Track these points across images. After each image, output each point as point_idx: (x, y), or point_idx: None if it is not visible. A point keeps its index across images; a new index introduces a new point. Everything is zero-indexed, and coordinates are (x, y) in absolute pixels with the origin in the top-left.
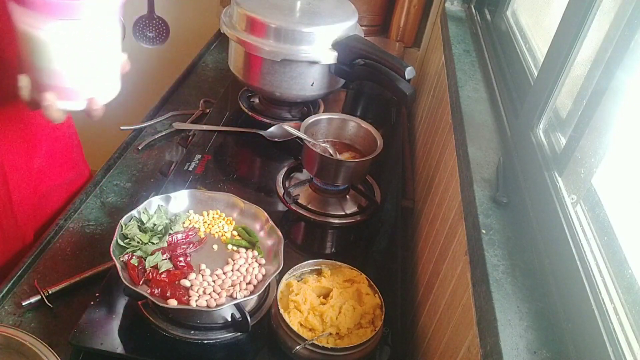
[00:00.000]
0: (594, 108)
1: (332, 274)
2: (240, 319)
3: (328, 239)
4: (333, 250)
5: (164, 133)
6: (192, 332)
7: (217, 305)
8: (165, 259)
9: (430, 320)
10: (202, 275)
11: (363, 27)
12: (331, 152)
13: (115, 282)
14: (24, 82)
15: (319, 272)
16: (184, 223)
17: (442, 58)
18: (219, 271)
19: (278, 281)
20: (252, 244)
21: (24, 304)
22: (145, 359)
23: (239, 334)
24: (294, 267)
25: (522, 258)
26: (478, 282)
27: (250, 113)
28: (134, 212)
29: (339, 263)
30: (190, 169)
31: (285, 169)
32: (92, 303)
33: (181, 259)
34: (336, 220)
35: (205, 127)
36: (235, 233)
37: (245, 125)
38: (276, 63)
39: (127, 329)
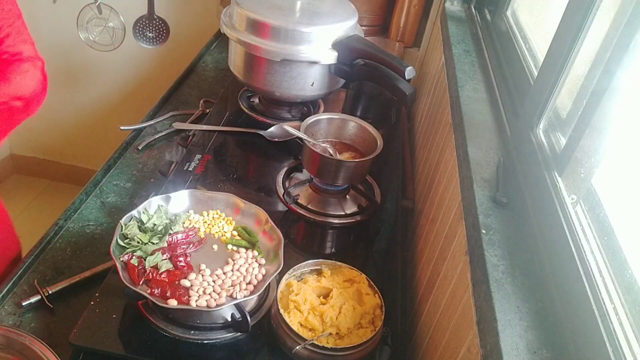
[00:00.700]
0: (594, 108)
1: (332, 274)
2: (240, 319)
3: (328, 239)
4: (333, 250)
5: (164, 133)
6: (192, 332)
7: (217, 305)
8: (165, 259)
9: (430, 320)
10: (202, 275)
11: (363, 27)
12: (331, 152)
13: (115, 282)
14: None
15: (319, 272)
16: (184, 223)
17: (442, 58)
18: (219, 271)
19: (278, 281)
20: (252, 244)
21: (24, 304)
22: (145, 359)
23: (239, 334)
24: (294, 267)
25: (522, 258)
26: (478, 282)
27: (250, 113)
28: (134, 212)
29: (339, 263)
30: (190, 169)
31: (285, 169)
32: (92, 303)
33: (181, 259)
34: (336, 220)
35: (205, 127)
36: (235, 233)
37: (245, 125)
38: (276, 63)
39: (127, 329)
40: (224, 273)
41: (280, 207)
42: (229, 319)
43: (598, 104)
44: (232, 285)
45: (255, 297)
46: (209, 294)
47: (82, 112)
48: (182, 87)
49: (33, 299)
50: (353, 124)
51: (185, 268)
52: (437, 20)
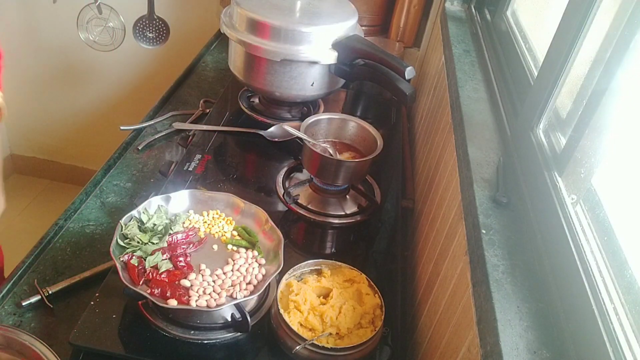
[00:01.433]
0: (594, 108)
1: (332, 274)
2: (240, 319)
3: (328, 239)
4: (333, 250)
5: (164, 133)
6: (192, 332)
7: (217, 305)
8: (165, 259)
9: (430, 320)
10: (202, 275)
11: (363, 27)
12: (331, 152)
13: (115, 282)
14: None
15: (319, 272)
16: (184, 223)
17: (442, 58)
18: (219, 271)
19: (278, 281)
20: (252, 244)
21: (24, 304)
22: (145, 359)
23: (239, 334)
24: (294, 267)
25: (522, 258)
26: (478, 282)
27: (250, 113)
28: (134, 212)
29: (339, 263)
30: (190, 169)
31: (285, 169)
32: (92, 303)
33: (181, 259)
34: (336, 220)
35: (205, 127)
36: (235, 233)
37: (245, 125)
38: (276, 63)
39: (127, 329)
40: (224, 273)
41: (280, 207)
42: (229, 319)
43: (598, 104)
44: (232, 285)
45: (255, 297)
46: (209, 294)
47: (82, 112)
48: (182, 87)
49: (33, 299)
50: (353, 124)
51: (185, 268)
52: (437, 20)
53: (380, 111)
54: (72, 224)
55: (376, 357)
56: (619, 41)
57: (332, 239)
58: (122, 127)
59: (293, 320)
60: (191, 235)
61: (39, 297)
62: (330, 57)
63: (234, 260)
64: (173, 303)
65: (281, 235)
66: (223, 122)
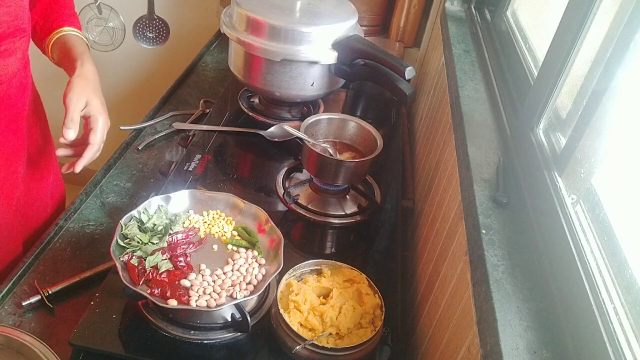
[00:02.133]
0: (594, 108)
1: (332, 274)
2: (240, 319)
3: (328, 239)
4: (333, 250)
5: (164, 133)
6: (192, 332)
7: (217, 305)
8: (165, 259)
9: (430, 320)
10: (202, 275)
11: (363, 27)
12: (331, 152)
13: (115, 282)
14: None
15: (319, 272)
16: (184, 223)
17: (442, 58)
18: (219, 271)
19: (278, 281)
20: (252, 244)
21: (24, 304)
22: (145, 359)
23: (239, 334)
24: (294, 267)
25: (522, 258)
26: (478, 282)
27: (250, 113)
28: (134, 212)
29: (339, 263)
30: (190, 169)
31: (285, 169)
32: (92, 303)
33: (181, 259)
34: (336, 220)
35: (205, 127)
36: (235, 233)
37: (245, 125)
38: (276, 63)
39: (127, 329)
40: (224, 273)
41: (280, 207)
42: (229, 319)
43: (598, 104)
44: (232, 285)
45: (255, 297)
46: (209, 294)
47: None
48: (182, 87)
49: (33, 299)
50: (353, 124)
51: (185, 268)
52: (437, 20)
53: (380, 111)
54: (72, 224)
55: (376, 357)
56: (619, 41)
57: (332, 239)
58: (122, 127)
59: (293, 320)
60: (191, 235)
61: (39, 297)
62: (330, 57)
63: (234, 260)
64: (173, 303)
65: (281, 235)
66: (223, 122)
